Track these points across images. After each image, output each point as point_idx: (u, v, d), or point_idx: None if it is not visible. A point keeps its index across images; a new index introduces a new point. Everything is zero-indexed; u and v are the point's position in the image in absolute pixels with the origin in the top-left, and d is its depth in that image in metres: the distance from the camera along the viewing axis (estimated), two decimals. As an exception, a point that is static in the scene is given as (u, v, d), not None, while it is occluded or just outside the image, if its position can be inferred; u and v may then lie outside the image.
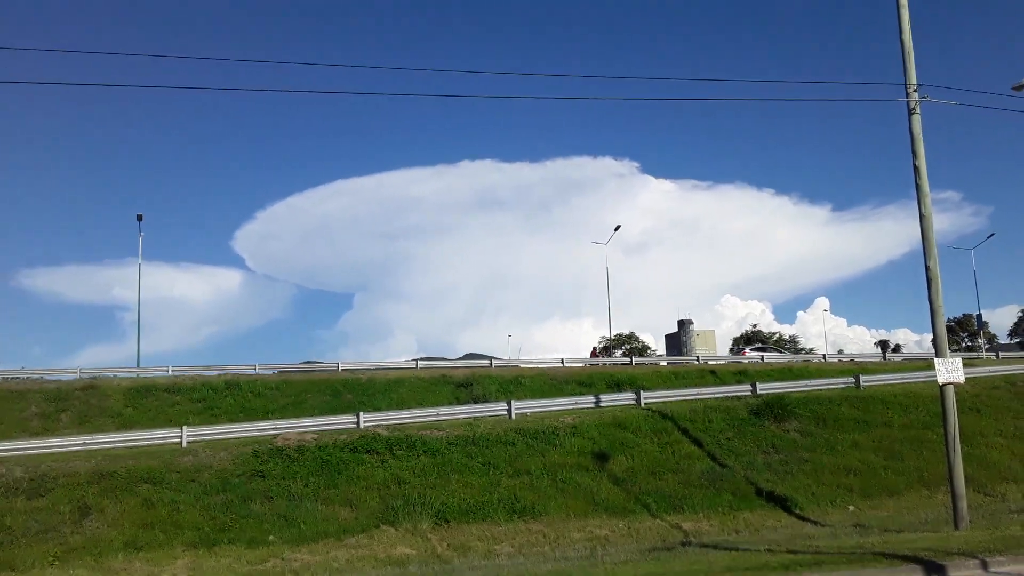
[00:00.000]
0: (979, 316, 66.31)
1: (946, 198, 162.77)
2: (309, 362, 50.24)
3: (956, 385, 18.17)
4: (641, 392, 31.03)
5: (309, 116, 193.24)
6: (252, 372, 41.07)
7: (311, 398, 34.67)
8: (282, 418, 29.26)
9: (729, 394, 31.62)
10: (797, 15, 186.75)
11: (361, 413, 28.04)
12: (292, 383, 36.59)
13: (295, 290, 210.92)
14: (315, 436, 25.52)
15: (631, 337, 79.63)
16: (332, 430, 26.69)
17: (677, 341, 74.15)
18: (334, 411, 31.22)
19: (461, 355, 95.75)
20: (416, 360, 46.85)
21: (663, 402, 30.69)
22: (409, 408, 31.23)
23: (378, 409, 31.43)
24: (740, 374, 41.17)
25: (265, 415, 31.69)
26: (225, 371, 40.29)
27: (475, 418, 28.57)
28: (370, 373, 40.54)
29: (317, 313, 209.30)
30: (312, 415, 30.04)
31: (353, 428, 27.01)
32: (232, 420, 30.36)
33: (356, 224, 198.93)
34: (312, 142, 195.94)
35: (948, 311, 78.31)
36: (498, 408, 29.54)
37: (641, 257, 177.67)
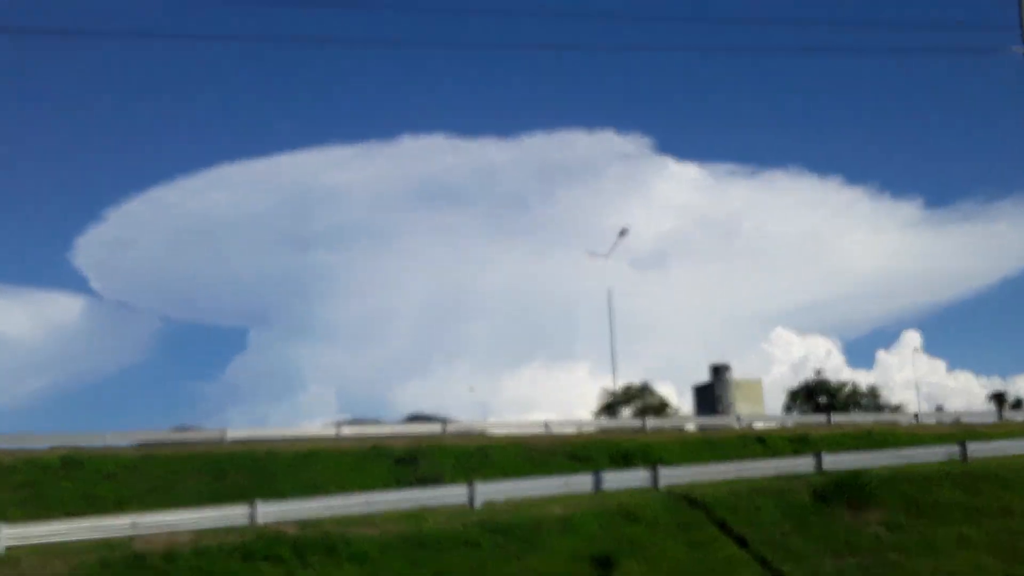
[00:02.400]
0: None
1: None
2: (183, 428, 49.68)
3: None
4: (660, 469, 31.04)
5: (176, 72, 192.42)
6: (100, 445, 40.46)
7: (186, 481, 34.24)
8: (144, 511, 28.78)
9: (784, 470, 31.75)
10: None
11: (258, 502, 27.74)
12: (158, 459, 36.12)
13: (162, 323, 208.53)
14: (192, 537, 25.21)
15: (644, 390, 79.82)
16: (216, 528, 26.36)
17: (710, 396, 74.44)
18: (219, 499, 30.72)
19: (403, 417, 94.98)
20: (338, 425, 46.56)
21: (691, 483, 30.70)
22: (327, 494, 30.87)
23: (282, 496, 31.00)
24: (799, 441, 41.42)
25: (119, 506, 31.13)
26: (61, 442, 39.68)
27: (422, 508, 28.41)
28: (271, 444, 40.15)
29: (194, 357, 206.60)
30: (188, 506, 29.60)
31: (246, 525, 26.71)
32: (71, 514, 29.83)
33: (249, 227, 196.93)
34: (183, 109, 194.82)
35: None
36: (455, 493, 29.36)
37: (658, 274, 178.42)
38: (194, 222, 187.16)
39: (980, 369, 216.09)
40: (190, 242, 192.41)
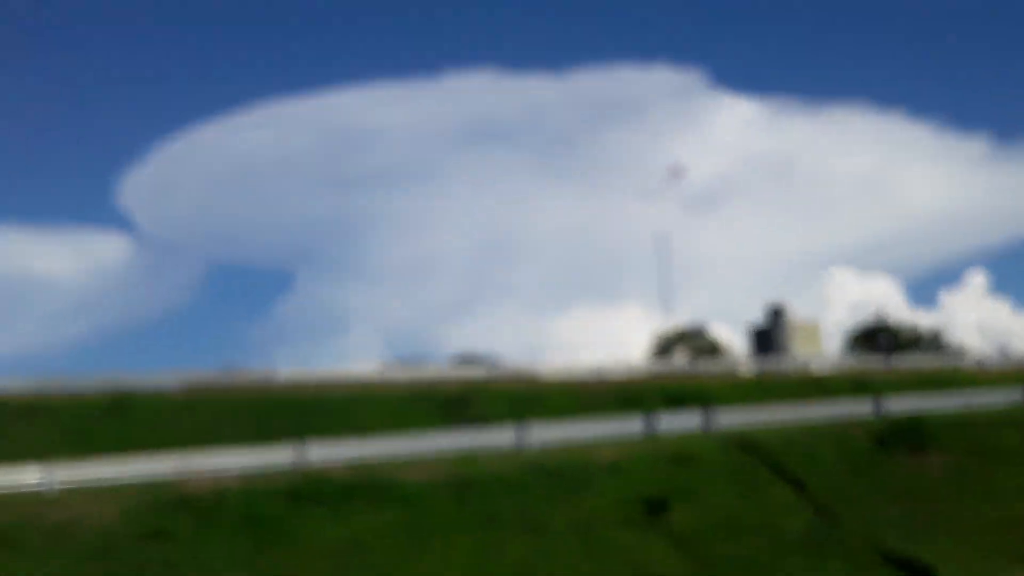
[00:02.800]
0: None
1: None
2: (229, 369, 49.90)
3: None
4: (712, 412, 30.88)
5: (217, 8, 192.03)
6: (148, 385, 40.71)
7: (233, 423, 34.33)
8: (191, 452, 29.16)
9: (843, 416, 31.47)
10: None
11: (306, 443, 27.94)
12: (205, 401, 36.43)
13: (207, 264, 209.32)
14: (239, 479, 25.48)
15: (698, 332, 79.34)
16: (264, 469, 26.63)
17: (767, 338, 73.80)
18: (266, 441, 30.89)
19: (450, 358, 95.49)
20: (384, 367, 46.62)
21: (745, 427, 30.53)
22: (375, 436, 31.00)
23: (330, 438, 31.16)
24: (858, 385, 40.92)
25: (167, 447, 31.51)
26: (108, 385, 39.91)
27: (472, 450, 28.50)
28: (318, 386, 40.26)
29: (240, 298, 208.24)
30: (235, 447, 29.88)
31: (294, 467, 26.92)
32: (120, 455, 30.27)
33: (292, 168, 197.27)
34: (223, 45, 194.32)
35: None
36: (505, 436, 29.42)
37: (712, 214, 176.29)
38: (237, 162, 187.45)
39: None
40: (234, 183, 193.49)
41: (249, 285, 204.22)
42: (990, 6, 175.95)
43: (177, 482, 25.50)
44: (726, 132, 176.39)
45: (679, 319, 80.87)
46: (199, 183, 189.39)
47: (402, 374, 45.20)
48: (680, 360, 65.91)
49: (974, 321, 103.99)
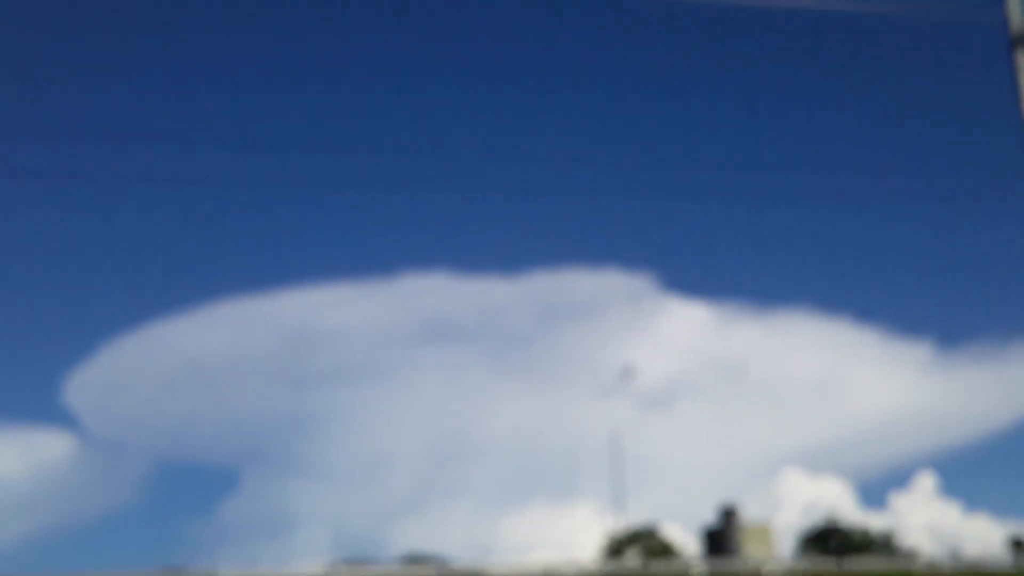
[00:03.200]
0: None
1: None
2: (172, 570, 49.04)
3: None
4: (665, 614, 30.33)
5: (173, 210, 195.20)
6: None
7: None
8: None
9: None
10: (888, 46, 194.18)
11: (246, 647, 27.04)
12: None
13: (154, 464, 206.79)
14: None
15: (650, 533, 78.60)
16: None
17: (719, 538, 73.26)
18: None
19: (400, 557, 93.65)
20: (330, 567, 45.84)
21: (697, 630, 29.97)
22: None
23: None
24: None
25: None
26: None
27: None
28: (263, 586, 39.60)
29: (186, 497, 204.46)
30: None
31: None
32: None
33: (245, 366, 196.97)
34: (179, 245, 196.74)
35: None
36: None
37: (665, 414, 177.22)
38: (189, 360, 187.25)
39: (998, 512, 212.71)
40: (185, 380, 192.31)
41: (195, 483, 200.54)
42: (930, 222, 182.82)
43: None
44: (678, 334, 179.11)
45: (631, 519, 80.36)
46: (148, 381, 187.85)
47: (348, 574, 44.48)
48: (632, 561, 65.09)
49: (924, 523, 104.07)
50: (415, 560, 58.50)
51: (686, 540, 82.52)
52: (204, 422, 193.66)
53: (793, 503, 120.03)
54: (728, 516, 73.67)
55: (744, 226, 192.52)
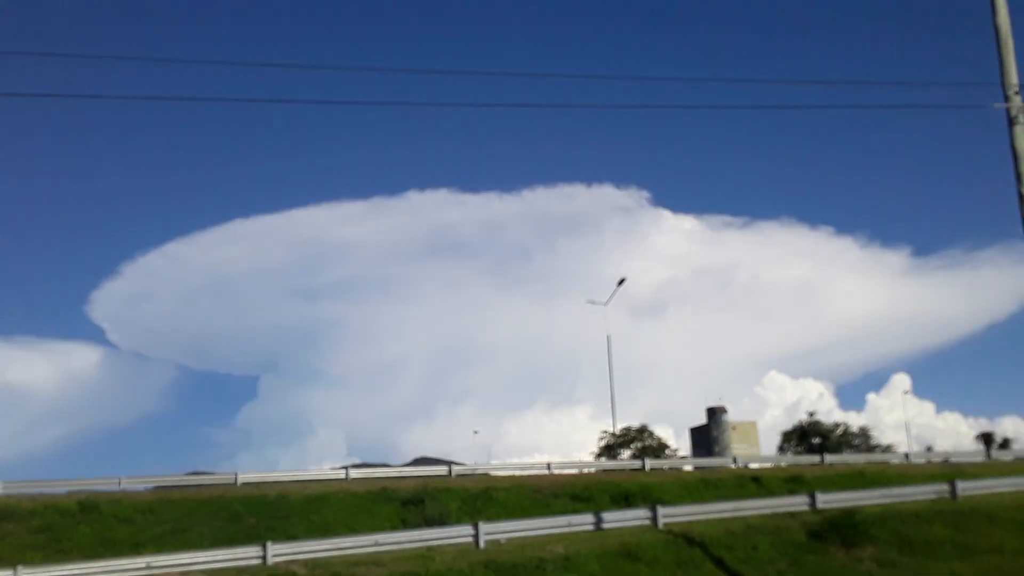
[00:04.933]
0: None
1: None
2: (197, 473, 49.58)
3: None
4: (659, 508, 30.84)
5: (192, 130, 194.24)
6: (116, 488, 40.43)
7: (200, 524, 34.13)
8: (159, 552, 28.68)
9: (780, 509, 31.59)
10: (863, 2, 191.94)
11: (269, 544, 27.59)
12: (173, 503, 36.03)
13: (177, 373, 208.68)
14: (205, 577, 25.03)
15: (643, 432, 79.41)
16: (229, 568, 26.22)
17: (707, 437, 74.32)
18: (231, 541, 30.59)
19: (409, 460, 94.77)
20: (346, 468, 46.42)
21: (689, 521, 30.52)
22: (337, 535, 30.72)
23: (293, 537, 30.86)
24: (793, 481, 41.28)
25: (135, 548, 31.02)
26: (79, 487, 39.62)
27: (429, 548, 28.24)
28: (282, 487, 40.13)
29: (208, 404, 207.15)
30: (201, 548, 29.47)
31: (259, 565, 26.56)
32: (88, 556, 29.70)
33: (262, 280, 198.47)
34: (198, 166, 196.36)
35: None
36: (461, 533, 29.19)
37: (656, 321, 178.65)
38: (208, 275, 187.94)
39: (968, 410, 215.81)
40: (205, 294, 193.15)
41: (216, 392, 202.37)
42: (908, 133, 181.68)
43: (144, 582, 24.93)
44: (668, 245, 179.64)
45: (626, 420, 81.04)
46: (170, 295, 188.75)
47: (362, 475, 44.99)
48: (627, 459, 65.76)
49: (900, 420, 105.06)
50: (424, 461, 59.31)
51: (678, 439, 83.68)
52: (224, 334, 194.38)
53: (776, 403, 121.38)
54: (716, 415, 74.61)
55: (731, 140, 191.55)
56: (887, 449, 74.05)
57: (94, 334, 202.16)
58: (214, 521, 34.47)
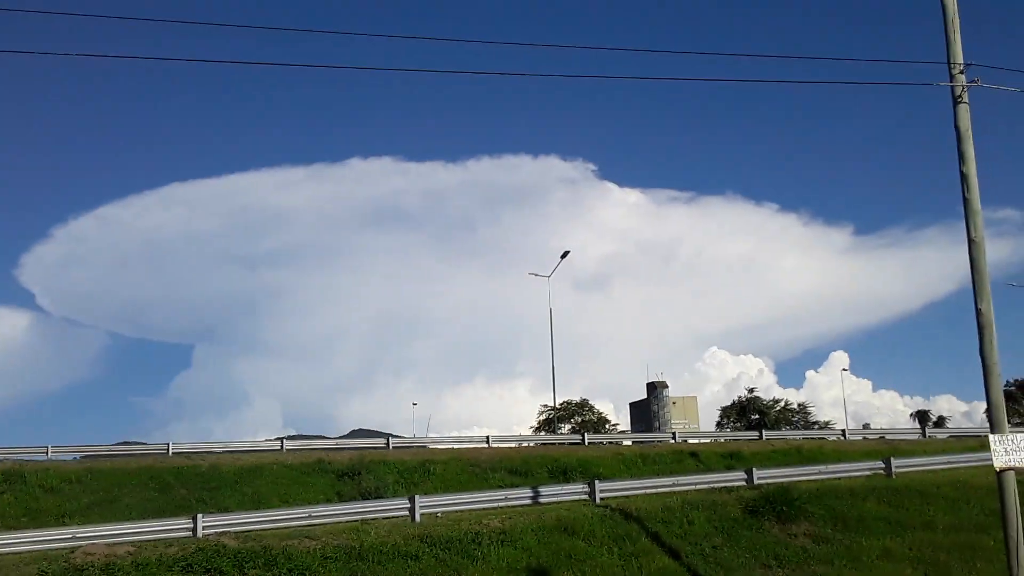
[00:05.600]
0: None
1: (1005, 217, 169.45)
2: (127, 443, 49.14)
3: (1019, 471, 18.56)
4: (596, 483, 30.97)
5: (128, 91, 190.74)
6: (43, 457, 39.95)
7: (128, 494, 33.72)
8: (85, 523, 28.23)
9: (717, 484, 31.94)
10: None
11: (200, 515, 27.25)
12: (101, 473, 35.48)
13: (108, 339, 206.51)
14: (132, 549, 24.64)
15: (584, 406, 79.89)
16: (158, 540, 25.85)
17: (647, 412, 74.85)
18: (161, 512, 30.35)
19: (346, 432, 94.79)
20: (282, 440, 46.11)
21: (626, 496, 30.71)
22: (270, 508, 30.58)
23: (225, 509, 30.65)
24: (731, 457, 41.75)
25: (60, 519, 30.63)
26: (3, 456, 39.18)
27: (364, 521, 28.10)
28: (215, 458, 39.79)
29: (140, 373, 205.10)
30: (129, 519, 29.11)
31: (188, 537, 26.21)
32: (11, 527, 29.19)
33: (198, 246, 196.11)
34: (133, 128, 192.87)
35: (1008, 371, 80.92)
36: (397, 506, 29.12)
37: (599, 295, 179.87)
38: (142, 240, 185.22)
39: (904, 389, 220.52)
40: (139, 260, 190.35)
41: (149, 360, 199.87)
42: (854, 111, 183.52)
43: (68, 553, 24.48)
44: (613, 219, 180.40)
45: (567, 394, 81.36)
46: (103, 260, 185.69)
47: (298, 446, 44.73)
48: (567, 433, 66.02)
49: (837, 398, 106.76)
50: (363, 435, 59.08)
51: (618, 413, 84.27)
52: (158, 301, 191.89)
53: (717, 379, 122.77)
54: (655, 391, 75.15)
55: (678, 116, 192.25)
56: (825, 426, 75.29)
57: (23, 299, 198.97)
58: (144, 492, 34.09)
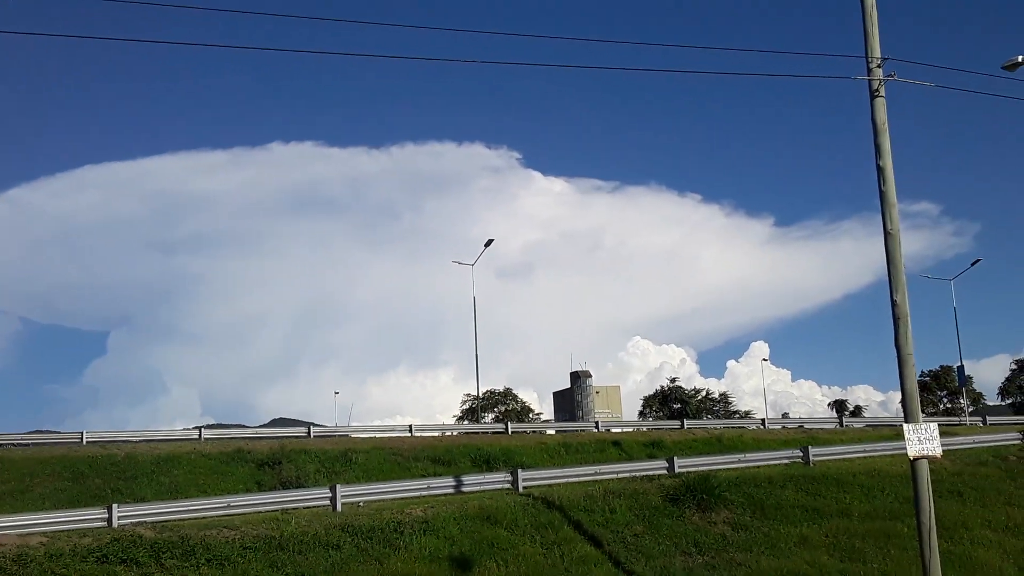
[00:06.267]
0: (960, 369, 70.69)
1: (920, 211, 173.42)
2: (39, 431, 48.24)
3: (931, 460, 19.08)
4: (519, 472, 31.10)
5: (38, 68, 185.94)
6: (-50, 446, 39.02)
7: (41, 484, 33.13)
8: (-5, 514, 27.67)
9: (638, 473, 32.20)
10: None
11: (115, 505, 26.84)
12: (13, 462, 34.90)
13: (20, 325, 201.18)
14: (45, 540, 24.18)
15: (507, 395, 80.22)
16: (72, 530, 25.38)
17: (570, 401, 75.23)
18: (75, 503, 29.85)
19: (266, 421, 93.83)
20: (200, 429, 45.61)
21: (549, 485, 30.87)
22: (188, 498, 30.20)
23: (141, 499, 30.28)
24: (653, 446, 42.21)
25: (-32, 510, 29.92)
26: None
27: (284, 510, 27.91)
28: (131, 447, 39.17)
29: (53, 360, 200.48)
30: (42, 509, 28.58)
31: (103, 527, 25.79)
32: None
33: (114, 231, 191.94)
34: (46, 106, 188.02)
35: (922, 362, 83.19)
36: (318, 495, 28.96)
37: (522, 284, 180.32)
38: (55, 224, 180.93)
39: (822, 379, 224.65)
40: (51, 244, 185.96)
41: (62, 347, 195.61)
42: (774, 104, 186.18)
43: (-22, 545, 23.94)
44: (537, 207, 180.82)
45: (490, 383, 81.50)
46: (14, 244, 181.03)
47: (216, 435, 44.26)
48: (490, 422, 66.15)
49: (758, 387, 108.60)
50: (282, 422, 58.62)
51: (540, 403, 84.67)
52: (72, 286, 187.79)
53: (640, 369, 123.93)
54: (579, 379, 75.56)
55: (602, 106, 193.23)
56: (745, 415, 76.56)
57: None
58: (57, 482, 33.50)
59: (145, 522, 26.18)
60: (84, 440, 41.39)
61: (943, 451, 19.59)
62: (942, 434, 19.70)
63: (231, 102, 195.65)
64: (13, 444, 41.25)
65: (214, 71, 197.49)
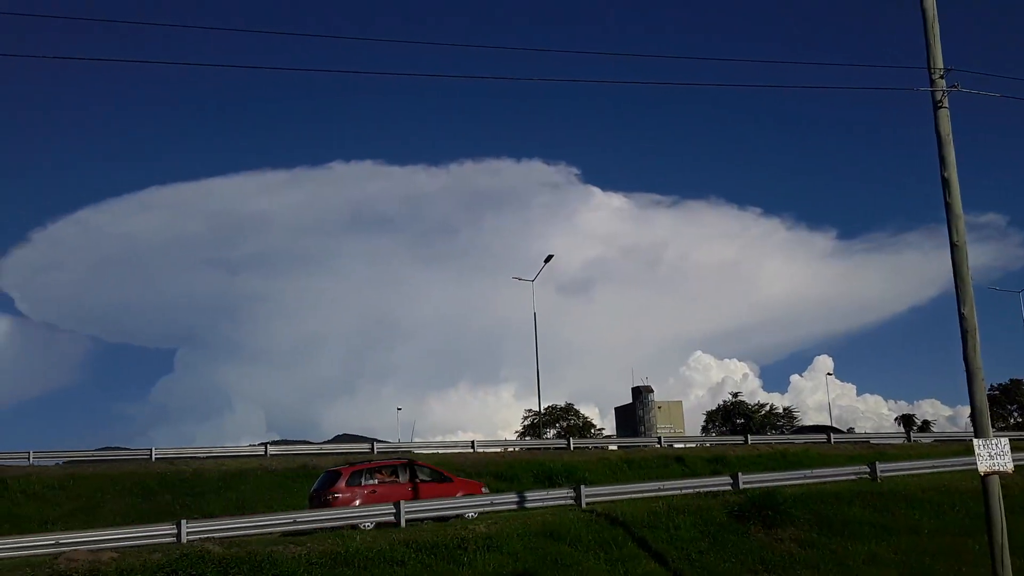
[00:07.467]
0: (1032, 382, 69.35)
1: (987, 222, 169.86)
2: (109, 448, 48.93)
3: (1003, 475, 18.76)
4: (582, 488, 31.02)
5: (107, 93, 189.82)
6: (24, 463, 39.71)
7: (111, 500, 33.67)
8: (68, 529, 28.18)
9: (702, 489, 31.96)
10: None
11: (184, 521, 27.22)
12: (84, 479, 35.43)
13: (89, 344, 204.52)
14: (116, 555, 24.58)
15: (568, 411, 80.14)
16: (142, 546, 25.79)
17: (631, 417, 74.88)
18: (145, 518, 30.28)
19: (330, 437, 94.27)
20: (265, 445, 46.06)
21: (612, 501, 30.74)
22: (254, 513, 30.55)
23: (209, 515, 30.63)
24: (716, 461, 41.92)
25: (43, 525, 30.54)
26: (-15, 462, 39.00)
27: (351, 526, 28.10)
28: (198, 464, 39.71)
29: (121, 378, 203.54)
30: (113, 525, 29.06)
31: (172, 543, 26.16)
32: (-7, 533, 29.12)
33: (178, 250, 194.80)
34: (113, 130, 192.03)
35: (991, 376, 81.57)
36: (383, 512, 29.10)
37: (582, 300, 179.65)
38: (123, 244, 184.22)
39: (888, 393, 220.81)
40: (119, 264, 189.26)
41: (130, 365, 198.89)
42: (837, 115, 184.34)
43: (52, 559, 24.42)
44: (596, 223, 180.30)
45: (551, 399, 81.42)
46: (83, 264, 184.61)
47: (281, 451, 44.73)
48: (552, 438, 66.08)
49: (822, 402, 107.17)
50: (347, 440, 59.04)
51: (603, 418, 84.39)
52: (138, 305, 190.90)
53: (702, 384, 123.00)
54: (641, 395, 75.21)
55: (661, 120, 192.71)
56: (815, 429, 75.54)
57: (3, 303, 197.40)
58: (127, 498, 34.02)
59: (213, 538, 26.51)
60: (153, 456, 42.01)
61: (1014, 466, 19.25)
62: (1013, 449, 19.37)
63: (293, 123, 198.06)
64: (84, 461, 41.99)
65: (276, 93, 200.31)
